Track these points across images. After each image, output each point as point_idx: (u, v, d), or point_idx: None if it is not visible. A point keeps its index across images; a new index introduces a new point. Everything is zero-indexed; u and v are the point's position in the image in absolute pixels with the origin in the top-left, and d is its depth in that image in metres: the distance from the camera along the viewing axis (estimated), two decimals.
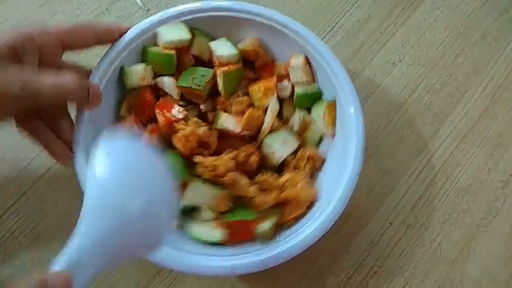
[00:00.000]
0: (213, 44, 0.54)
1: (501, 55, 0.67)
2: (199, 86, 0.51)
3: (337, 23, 0.67)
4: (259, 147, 0.53)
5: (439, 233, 0.57)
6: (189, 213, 0.51)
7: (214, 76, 0.53)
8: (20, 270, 0.53)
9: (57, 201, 0.56)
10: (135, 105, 0.53)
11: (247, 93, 0.55)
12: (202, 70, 0.53)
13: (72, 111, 0.50)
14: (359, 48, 0.66)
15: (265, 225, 0.48)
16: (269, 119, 0.52)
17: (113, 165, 0.37)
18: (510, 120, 0.63)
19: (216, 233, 0.48)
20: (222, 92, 0.53)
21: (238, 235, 0.48)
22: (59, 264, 0.33)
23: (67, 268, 0.32)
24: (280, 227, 0.49)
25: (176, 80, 0.53)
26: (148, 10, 0.66)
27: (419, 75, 0.65)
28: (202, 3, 0.54)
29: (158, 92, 0.54)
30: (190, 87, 0.51)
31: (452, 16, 0.69)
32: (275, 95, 0.54)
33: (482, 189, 0.59)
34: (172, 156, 0.50)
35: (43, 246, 0.54)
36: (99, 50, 0.51)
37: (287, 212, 0.49)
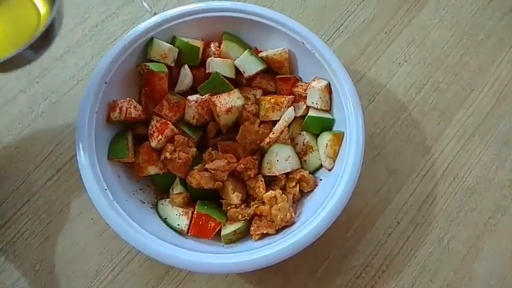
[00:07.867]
0: (238, 62, 0.55)
1: (506, 54, 0.67)
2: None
3: (342, 24, 0.68)
4: (264, 154, 0.52)
5: (447, 232, 0.57)
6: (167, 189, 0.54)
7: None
8: (30, 271, 0.53)
9: (67, 203, 0.56)
10: (150, 91, 0.54)
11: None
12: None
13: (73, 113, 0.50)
14: (365, 48, 0.66)
15: (227, 230, 0.49)
16: (281, 126, 0.52)
17: None
18: None
19: (180, 220, 0.50)
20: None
21: (197, 230, 0.49)
22: None
23: None
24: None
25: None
26: (154, 13, 0.67)
27: (425, 75, 0.65)
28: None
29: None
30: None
31: (457, 16, 0.69)
32: (292, 106, 0.54)
33: (490, 188, 0.59)
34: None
35: (52, 247, 0.54)
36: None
37: (255, 227, 0.50)
